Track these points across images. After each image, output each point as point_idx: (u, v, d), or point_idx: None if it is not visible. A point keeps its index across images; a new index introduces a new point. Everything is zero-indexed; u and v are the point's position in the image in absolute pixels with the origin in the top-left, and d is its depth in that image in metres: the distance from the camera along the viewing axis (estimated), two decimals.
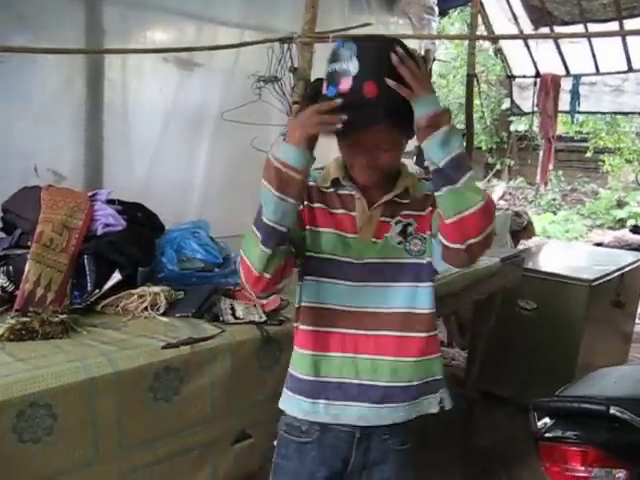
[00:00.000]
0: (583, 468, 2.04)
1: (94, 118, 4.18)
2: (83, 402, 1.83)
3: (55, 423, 1.77)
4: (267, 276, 1.62)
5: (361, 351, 1.76)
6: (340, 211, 1.77)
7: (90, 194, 2.69)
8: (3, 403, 1.68)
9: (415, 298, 1.78)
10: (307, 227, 1.76)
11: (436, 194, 1.57)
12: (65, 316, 2.15)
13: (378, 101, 1.51)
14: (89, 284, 2.35)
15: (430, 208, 1.75)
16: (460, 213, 1.52)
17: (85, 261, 2.37)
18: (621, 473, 2.02)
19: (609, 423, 2.06)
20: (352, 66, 1.52)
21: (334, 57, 1.57)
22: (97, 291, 2.35)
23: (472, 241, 1.53)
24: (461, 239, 1.55)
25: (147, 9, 4.28)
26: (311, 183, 1.74)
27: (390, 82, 1.48)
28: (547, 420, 2.23)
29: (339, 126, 1.49)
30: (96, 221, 2.51)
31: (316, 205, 1.77)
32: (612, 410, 2.02)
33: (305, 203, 1.74)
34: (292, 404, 1.82)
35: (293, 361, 1.84)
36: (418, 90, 1.49)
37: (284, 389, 1.85)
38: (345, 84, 1.53)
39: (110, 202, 2.70)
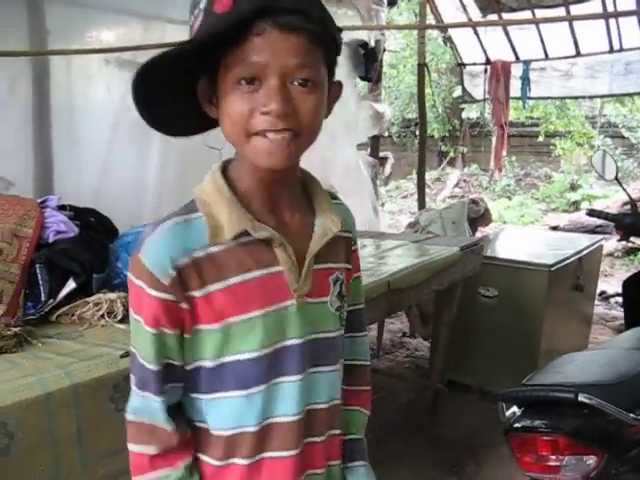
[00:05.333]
0: (554, 457, 2.04)
1: (41, 121, 4.09)
2: (41, 418, 1.75)
3: (12, 442, 1.69)
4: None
5: (315, 465, 1.28)
6: (258, 272, 1.16)
7: (40, 201, 2.60)
8: None
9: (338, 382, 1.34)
10: (203, 328, 1.15)
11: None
12: (19, 329, 2.07)
13: (232, 12, 1.03)
14: (42, 294, 2.27)
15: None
16: None
17: (37, 270, 2.30)
18: (591, 460, 2.02)
19: (578, 410, 2.06)
20: (202, 2, 1.09)
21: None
22: (51, 301, 2.27)
23: None
24: None
25: (92, 8, 4.19)
26: (194, 255, 1.12)
27: None
28: (515, 409, 2.22)
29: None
30: (47, 228, 2.43)
31: (217, 286, 1.14)
32: (581, 397, 2.02)
33: (192, 294, 1.13)
34: None
35: None
36: None
37: None
38: (197, 22, 1.10)
39: (61, 208, 2.62)
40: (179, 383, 1.19)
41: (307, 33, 1.05)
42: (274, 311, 1.17)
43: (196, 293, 1.13)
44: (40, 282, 2.29)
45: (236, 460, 1.20)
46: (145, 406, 1.17)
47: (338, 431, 1.33)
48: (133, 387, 1.20)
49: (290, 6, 1.03)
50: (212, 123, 1.18)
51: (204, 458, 1.22)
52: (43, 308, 2.26)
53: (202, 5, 1.07)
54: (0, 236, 2.31)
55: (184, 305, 1.13)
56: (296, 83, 1.07)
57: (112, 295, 2.35)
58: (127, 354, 1.98)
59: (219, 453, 1.20)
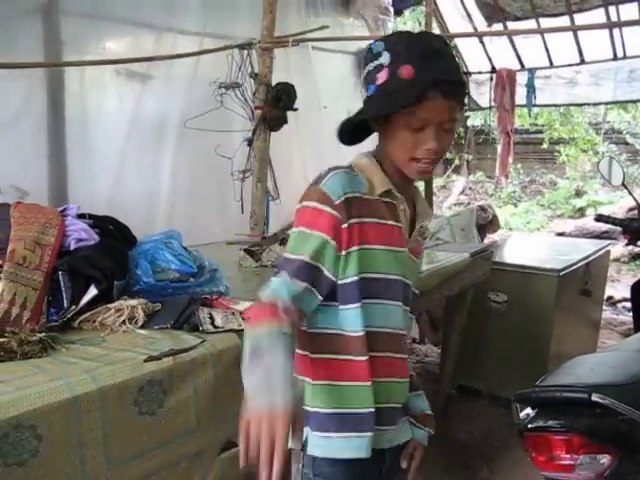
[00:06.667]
0: (569, 456, 2.08)
1: (56, 132, 4.15)
2: (68, 421, 1.79)
3: (40, 444, 1.73)
4: None
5: (396, 375, 1.73)
6: (390, 222, 1.63)
7: (60, 209, 2.65)
8: None
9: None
10: (352, 248, 1.56)
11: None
12: (43, 334, 2.11)
13: (415, 81, 1.48)
14: (65, 300, 2.31)
15: None
16: None
17: (60, 277, 2.34)
18: (605, 458, 2.06)
19: (591, 410, 2.10)
20: (384, 59, 1.54)
21: (366, 60, 1.60)
22: (73, 307, 2.31)
23: None
24: None
25: (105, 20, 4.27)
26: (357, 194, 1.57)
27: None
28: (529, 411, 2.26)
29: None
30: (68, 236, 2.48)
31: (367, 220, 1.58)
32: (594, 397, 2.05)
33: (350, 221, 1.54)
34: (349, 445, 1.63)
35: (342, 396, 1.63)
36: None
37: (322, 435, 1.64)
38: (382, 76, 1.54)
39: (81, 216, 2.67)
40: (318, 291, 1.54)
41: (458, 97, 1.54)
42: (393, 251, 1.63)
43: (354, 220, 1.55)
44: (62, 289, 2.32)
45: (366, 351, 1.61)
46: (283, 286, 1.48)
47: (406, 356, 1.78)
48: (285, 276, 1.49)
49: (452, 78, 1.50)
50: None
51: (337, 356, 1.62)
52: (66, 314, 2.29)
53: (384, 61, 1.53)
54: (23, 244, 2.35)
55: (344, 225, 1.53)
56: (444, 128, 1.53)
57: (133, 301, 2.38)
58: (151, 358, 2.03)
59: (349, 349, 1.61)
